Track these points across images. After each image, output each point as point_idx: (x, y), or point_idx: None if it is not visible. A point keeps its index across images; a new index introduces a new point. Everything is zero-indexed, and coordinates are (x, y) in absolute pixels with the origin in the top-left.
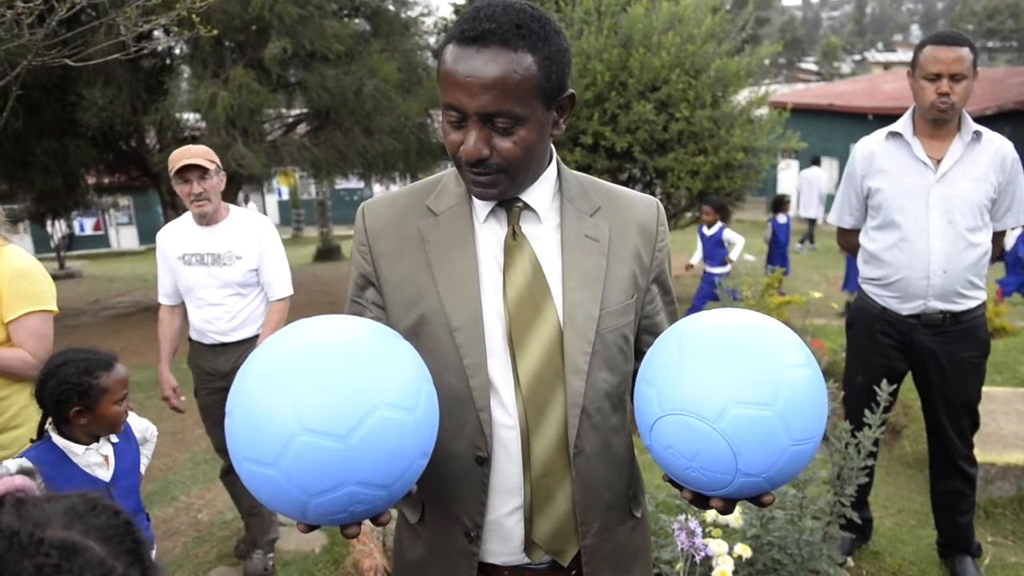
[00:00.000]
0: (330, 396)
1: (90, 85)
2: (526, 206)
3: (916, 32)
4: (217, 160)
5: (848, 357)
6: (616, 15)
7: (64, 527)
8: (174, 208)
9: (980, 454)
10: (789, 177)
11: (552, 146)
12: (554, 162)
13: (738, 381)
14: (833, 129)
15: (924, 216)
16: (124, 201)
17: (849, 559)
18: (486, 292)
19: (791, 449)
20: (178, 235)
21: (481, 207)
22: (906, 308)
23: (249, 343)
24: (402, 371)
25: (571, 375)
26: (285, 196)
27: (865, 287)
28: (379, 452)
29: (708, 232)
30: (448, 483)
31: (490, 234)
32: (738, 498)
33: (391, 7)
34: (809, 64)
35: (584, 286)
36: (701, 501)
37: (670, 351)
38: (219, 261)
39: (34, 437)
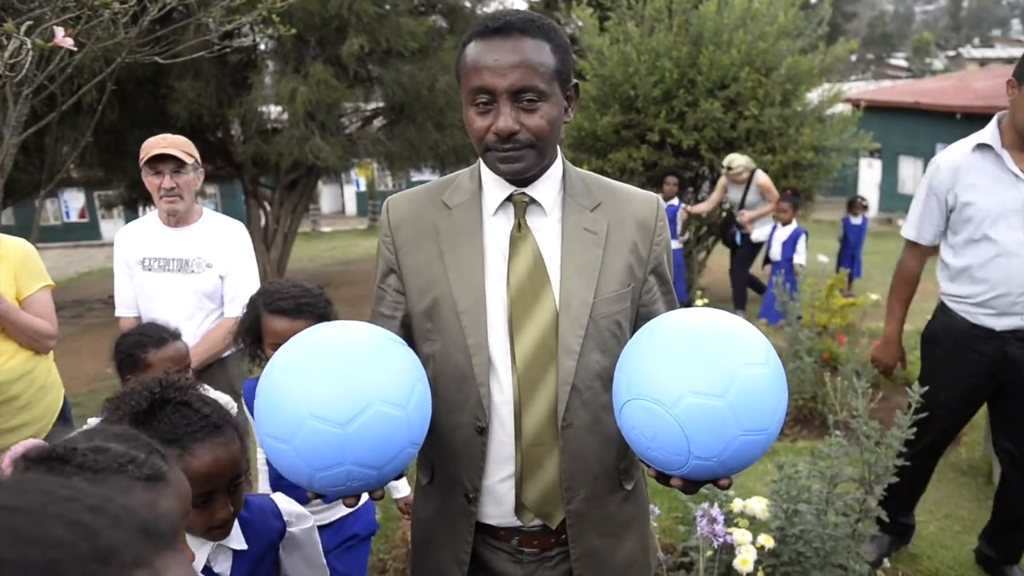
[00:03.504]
0: (335, 391)
1: (180, 79)
2: (532, 200)
3: (1017, 26)
4: (196, 154)
5: (927, 373)
6: (687, 12)
7: (85, 440)
8: (255, 197)
9: None
10: (872, 176)
11: (558, 147)
12: (559, 159)
13: (695, 373)
14: (919, 128)
15: (1020, 230)
16: (210, 189)
17: (886, 560)
18: (491, 279)
19: (740, 438)
20: (140, 236)
21: (491, 202)
22: (1001, 323)
23: (225, 366)
24: (398, 372)
25: (564, 356)
26: (363, 187)
27: (951, 304)
28: (372, 439)
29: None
30: (454, 449)
31: (498, 227)
32: (696, 479)
33: (467, 3)
34: (899, 60)
35: (580, 275)
36: (663, 479)
37: (641, 342)
38: (187, 268)
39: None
